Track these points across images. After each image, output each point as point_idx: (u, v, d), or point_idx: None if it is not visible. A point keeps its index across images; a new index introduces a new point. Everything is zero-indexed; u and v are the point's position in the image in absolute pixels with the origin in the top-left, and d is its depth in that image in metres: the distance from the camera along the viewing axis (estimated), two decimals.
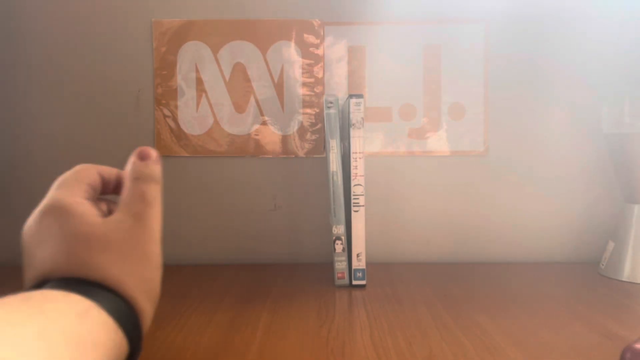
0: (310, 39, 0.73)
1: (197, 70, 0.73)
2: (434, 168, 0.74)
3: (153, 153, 0.37)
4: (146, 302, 0.32)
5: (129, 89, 0.74)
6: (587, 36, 0.73)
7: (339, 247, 0.58)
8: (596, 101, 0.72)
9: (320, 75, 0.74)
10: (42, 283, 0.30)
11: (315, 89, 0.74)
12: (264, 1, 0.73)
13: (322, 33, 0.73)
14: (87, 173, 0.38)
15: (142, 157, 0.37)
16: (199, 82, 0.73)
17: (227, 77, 0.73)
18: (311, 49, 0.73)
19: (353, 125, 0.57)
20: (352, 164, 0.57)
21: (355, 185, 0.58)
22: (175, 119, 0.74)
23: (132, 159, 0.37)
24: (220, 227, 0.74)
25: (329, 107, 0.58)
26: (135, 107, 0.74)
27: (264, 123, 0.74)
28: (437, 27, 0.73)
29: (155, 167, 0.37)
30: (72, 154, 0.74)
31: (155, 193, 0.35)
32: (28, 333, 0.23)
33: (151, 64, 0.73)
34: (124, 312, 0.30)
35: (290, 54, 0.73)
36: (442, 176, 0.74)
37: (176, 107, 0.74)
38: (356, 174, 0.58)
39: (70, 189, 0.35)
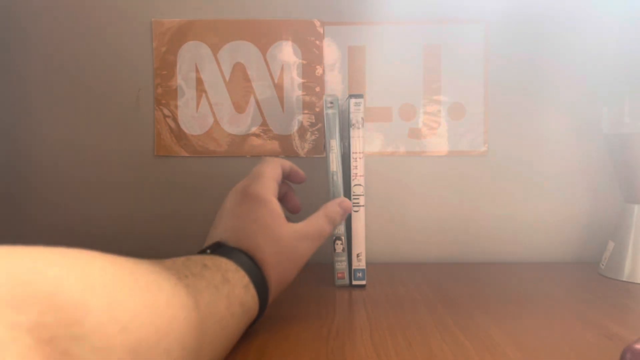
0: (310, 39, 0.73)
1: (197, 70, 0.73)
2: (434, 168, 0.74)
3: (349, 211, 0.53)
4: (276, 293, 0.44)
5: (129, 89, 0.74)
6: (587, 36, 0.73)
7: (339, 247, 0.58)
8: (596, 101, 0.72)
9: (320, 75, 0.74)
10: (216, 245, 0.41)
11: (315, 89, 0.74)
12: (264, 1, 0.73)
13: (322, 33, 0.73)
14: (277, 170, 0.49)
15: (343, 208, 0.52)
16: (199, 82, 0.73)
17: (227, 77, 0.73)
18: (311, 48, 0.73)
19: (353, 125, 0.57)
20: (352, 164, 0.57)
21: (355, 185, 0.58)
22: (175, 119, 0.74)
23: (337, 201, 0.52)
24: None
25: (328, 107, 0.58)
26: (135, 107, 0.74)
27: (264, 123, 0.74)
28: (437, 27, 0.73)
29: (341, 219, 0.52)
30: (72, 154, 0.74)
31: (328, 233, 0.49)
32: (222, 294, 0.34)
33: (151, 64, 0.73)
34: (265, 294, 0.41)
35: (291, 54, 0.73)
36: (442, 176, 0.74)
37: (176, 107, 0.74)
38: (356, 174, 0.58)
39: (267, 184, 0.46)
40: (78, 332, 0.19)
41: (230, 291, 0.36)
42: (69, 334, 0.19)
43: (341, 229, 0.58)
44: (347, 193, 0.59)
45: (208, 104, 0.73)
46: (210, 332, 0.31)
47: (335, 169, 0.57)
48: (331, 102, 0.57)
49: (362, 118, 0.57)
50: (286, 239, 0.43)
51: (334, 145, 0.57)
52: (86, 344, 0.20)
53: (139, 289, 0.25)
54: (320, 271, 0.66)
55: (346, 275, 0.59)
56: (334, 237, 0.58)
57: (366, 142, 0.73)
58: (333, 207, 0.50)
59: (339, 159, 0.58)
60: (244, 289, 0.38)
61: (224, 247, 0.41)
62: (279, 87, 0.73)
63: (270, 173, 0.47)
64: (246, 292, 0.38)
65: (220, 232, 0.44)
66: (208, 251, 0.40)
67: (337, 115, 0.58)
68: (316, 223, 0.47)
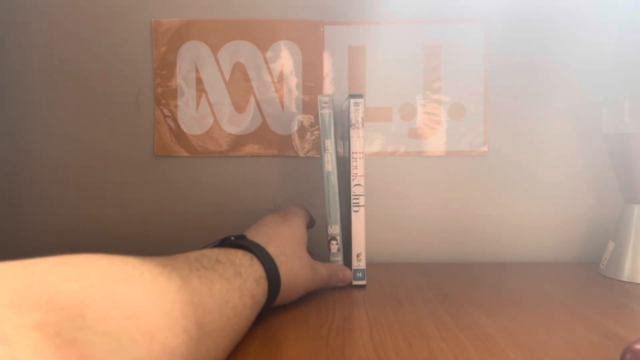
0: (310, 38, 0.73)
1: (197, 70, 0.73)
2: (434, 168, 0.74)
3: (346, 283, 0.57)
4: (280, 299, 0.46)
5: (128, 89, 0.74)
6: (587, 36, 0.73)
7: (334, 247, 0.58)
8: (596, 101, 0.72)
9: (320, 75, 0.74)
10: (241, 236, 0.46)
11: (315, 89, 0.74)
12: (264, 1, 0.73)
13: (322, 33, 0.73)
14: (306, 214, 0.58)
15: (343, 279, 0.57)
16: (199, 82, 0.73)
17: (227, 77, 0.73)
18: (311, 48, 0.73)
19: (353, 125, 0.57)
20: (352, 164, 0.57)
21: (355, 185, 0.58)
22: (175, 119, 0.74)
23: (342, 269, 0.57)
24: (220, 227, 0.74)
25: (323, 107, 0.57)
26: (135, 107, 0.74)
27: (263, 123, 0.74)
28: (437, 27, 0.73)
29: (334, 285, 0.57)
30: (72, 154, 0.74)
31: (321, 285, 0.54)
32: (234, 285, 0.36)
33: (151, 63, 0.73)
34: (276, 290, 0.44)
35: (290, 54, 0.73)
36: (442, 176, 0.74)
37: (176, 107, 0.73)
38: (356, 174, 0.58)
39: (303, 220, 0.55)
40: (81, 323, 0.21)
41: (242, 284, 0.38)
42: (73, 326, 0.20)
43: (336, 229, 0.58)
44: (343, 193, 0.59)
45: (208, 104, 0.73)
46: (223, 318, 0.33)
47: (330, 169, 0.57)
48: (326, 102, 0.57)
49: (362, 118, 0.57)
50: (306, 261, 0.50)
51: (329, 146, 0.57)
52: (93, 331, 0.21)
53: (143, 280, 0.26)
54: None
55: None
56: (329, 237, 0.58)
57: (366, 142, 0.73)
58: (336, 272, 0.56)
59: (335, 159, 0.58)
60: (255, 282, 0.40)
61: (247, 240, 0.44)
62: (278, 87, 0.73)
63: (303, 214, 0.56)
64: (257, 285, 0.40)
65: (251, 235, 0.48)
66: (232, 238, 0.44)
67: (332, 115, 0.58)
68: (322, 269, 0.54)
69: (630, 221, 0.63)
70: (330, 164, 0.57)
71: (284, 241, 0.48)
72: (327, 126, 0.57)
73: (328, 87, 0.74)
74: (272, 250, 0.45)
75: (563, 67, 0.73)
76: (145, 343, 0.23)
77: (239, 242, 0.43)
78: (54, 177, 0.75)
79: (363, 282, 0.58)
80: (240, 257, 0.40)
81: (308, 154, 0.74)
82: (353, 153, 0.57)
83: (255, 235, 0.47)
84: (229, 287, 0.35)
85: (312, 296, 0.55)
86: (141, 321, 0.23)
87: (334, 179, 0.57)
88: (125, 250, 0.29)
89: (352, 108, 0.57)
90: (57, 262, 0.23)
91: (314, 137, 0.74)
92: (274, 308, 0.47)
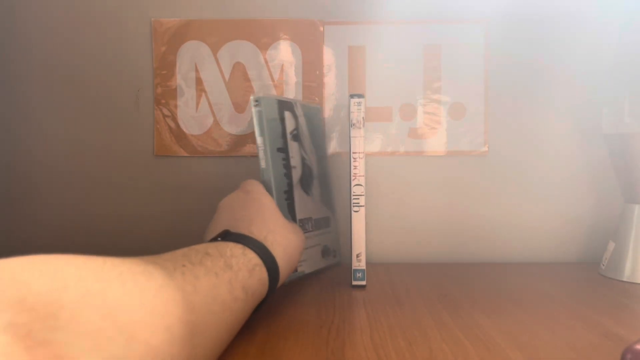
0: (310, 38, 0.73)
1: (196, 70, 0.73)
2: (434, 168, 0.74)
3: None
4: (285, 275, 0.46)
5: (128, 89, 0.74)
6: (587, 36, 0.73)
7: None
8: (596, 101, 0.72)
9: (320, 75, 0.74)
10: (226, 233, 0.43)
11: (315, 89, 0.74)
12: (263, 1, 0.73)
13: (322, 33, 0.73)
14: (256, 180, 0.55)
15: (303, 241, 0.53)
16: (199, 82, 0.73)
17: (227, 77, 0.73)
18: (311, 48, 0.73)
19: (353, 125, 0.57)
20: (352, 164, 0.57)
21: (355, 185, 0.58)
22: (174, 119, 0.73)
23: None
24: None
25: (254, 106, 0.57)
26: (134, 107, 0.74)
27: None
28: (437, 27, 0.73)
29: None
30: (72, 154, 0.74)
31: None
32: (223, 279, 0.35)
33: (151, 63, 0.73)
34: (275, 275, 0.43)
35: (290, 54, 0.73)
36: (442, 176, 0.74)
37: (176, 106, 0.73)
38: (356, 174, 0.58)
39: (264, 191, 0.53)
40: (54, 323, 0.20)
41: (233, 277, 0.36)
42: (46, 326, 0.20)
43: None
44: (283, 192, 0.59)
45: (208, 104, 0.73)
46: (211, 314, 0.32)
47: (264, 166, 0.56)
48: (256, 101, 0.57)
49: (363, 118, 0.57)
50: (289, 228, 0.49)
51: (261, 143, 0.56)
52: (66, 331, 0.20)
53: (122, 279, 0.26)
54: (320, 272, 0.66)
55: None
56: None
57: (366, 142, 0.73)
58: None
59: (269, 156, 0.56)
60: (249, 272, 0.39)
61: (233, 234, 0.43)
62: (278, 87, 0.73)
63: (255, 180, 0.54)
64: (251, 275, 0.39)
65: (226, 224, 0.46)
66: (219, 239, 0.42)
67: (263, 113, 0.56)
68: (296, 226, 0.53)
69: (630, 221, 0.63)
70: (264, 161, 0.57)
71: (263, 217, 0.47)
72: (259, 123, 0.56)
73: (328, 87, 0.74)
74: (257, 233, 0.44)
75: (563, 67, 0.73)
76: (123, 342, 0.23)
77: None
78: (54, 177, 0.75)
79: (363, 282, 0.58)
80: (232, 248, 0.39)
81: None
82: (353, 153, 0.57)
83: (235, 223, 0.46)
84: (216, 281, 0.34)
85: (312, 296, 0.55)
86: (119, 320, 0.23)
87: (268, 176, 0.56)
88: (125, 250, 0.29)
89: (353, 108, 0.57)
90: (31, 261, 0.23)
91: None
92: (277, 299, 0.47)
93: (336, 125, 0.74)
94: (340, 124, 0.74)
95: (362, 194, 0.58)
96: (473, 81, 0.73)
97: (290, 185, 0.59)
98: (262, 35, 0.73)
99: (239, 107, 0.73)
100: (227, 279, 0.36)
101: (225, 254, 0.38)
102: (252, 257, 0.40)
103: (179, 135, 0.74)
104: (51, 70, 0.74)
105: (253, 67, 0.73)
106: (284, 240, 0.46)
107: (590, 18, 0.73)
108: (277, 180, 0.57)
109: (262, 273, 0.41)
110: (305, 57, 0.73)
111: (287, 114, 0.61)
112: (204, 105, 0.73)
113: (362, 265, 0.58)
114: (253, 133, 0.73)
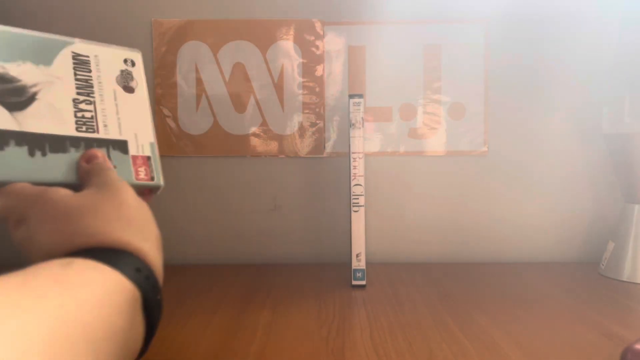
0: (310, 38, 0.73)
1: (197, 70, 0.73)
2: (434, 168, 0.74)
3: (98, 153, 0.38)
4: (149, 248, 0.32)
5: None
6: (587, 36, 0.73)
7: None
8: (596, 101, 0.72)
9: (320, 75, 0.74)
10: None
11: (315, 89, 0.74)
12: (263, 1, 0.73)
13: (322, 33, 0.73)
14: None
15: (88, 160, 0.38)
16: (199, 82, 0.73)
17: (227, 77, 0.73)
18: (311, 48, 0.73)
19: (353, 125, 0.57)
20: (352, 164, 0.57)
21: (355, 185, 0.58)
22: (175, 119, 0.74)
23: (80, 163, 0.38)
24: (220, 227, 0.74)
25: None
26: None
27: (263, 123, 0.74)
28: (437, 27, 0.73)
29: (101, 162, 0.38)
30: None
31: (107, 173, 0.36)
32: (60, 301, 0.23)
33: (151, 64, 0.73)
34: (129, 264, 0.29)
35: (290, 53, 0.73)
36: (442, 176, 0.74)
37: (176, 107, 0.73)
38: (356, 174, 0.58)
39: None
40: None
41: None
42: None
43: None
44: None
45: (208, 104, 0.73)
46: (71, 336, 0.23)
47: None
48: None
49: (362, 118, 0.57)
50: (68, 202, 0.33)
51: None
52: None
53: None
54: (320, 271, 0.66)
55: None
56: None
57: (366, 142, 0.73)
58: (81, 165, 0.38)
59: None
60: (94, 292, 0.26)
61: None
62: (278, 87, 0.73)
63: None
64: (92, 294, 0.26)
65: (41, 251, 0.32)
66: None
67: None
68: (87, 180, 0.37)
69: (630, 221, 0.63)
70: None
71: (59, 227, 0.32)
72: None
73: (328, 87, 0.74)
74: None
75: (563, 67, 0.73)
76: None
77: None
78: None
79: (363, 282, 0.58)
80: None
81: (308, 154, 0.74)
82: (353, 153, 0.57)
83: (40, 248, 0.31)
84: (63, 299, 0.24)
85: (312, 296, 0.55)
86: None
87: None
88: None
89: (352, 108, 0.57)
90: None
91: (314, 137, 0.74)
92: (277, 298, 0.45)
93: (336, 125, 0.74)
94: (340, 124, 0.74)
95: (362, 194, 0.58)
96: (473, 81, 0.73)
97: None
98: (262, 35, 0.73)
99: (239, 107, 0.73)
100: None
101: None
102: (106, 269, 0.28)
103: (179, 135, 0.74)
104: None
105: (253, 67, 0.73)
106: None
107: (590, 18, 0.73)
108: None
109: (120, 281, 0.28)
110: (305, 57, 0.73)
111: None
112: (204, 105, 0.73)
113: (362, 265, 0.58)
114: (253, 133, 0.74)
